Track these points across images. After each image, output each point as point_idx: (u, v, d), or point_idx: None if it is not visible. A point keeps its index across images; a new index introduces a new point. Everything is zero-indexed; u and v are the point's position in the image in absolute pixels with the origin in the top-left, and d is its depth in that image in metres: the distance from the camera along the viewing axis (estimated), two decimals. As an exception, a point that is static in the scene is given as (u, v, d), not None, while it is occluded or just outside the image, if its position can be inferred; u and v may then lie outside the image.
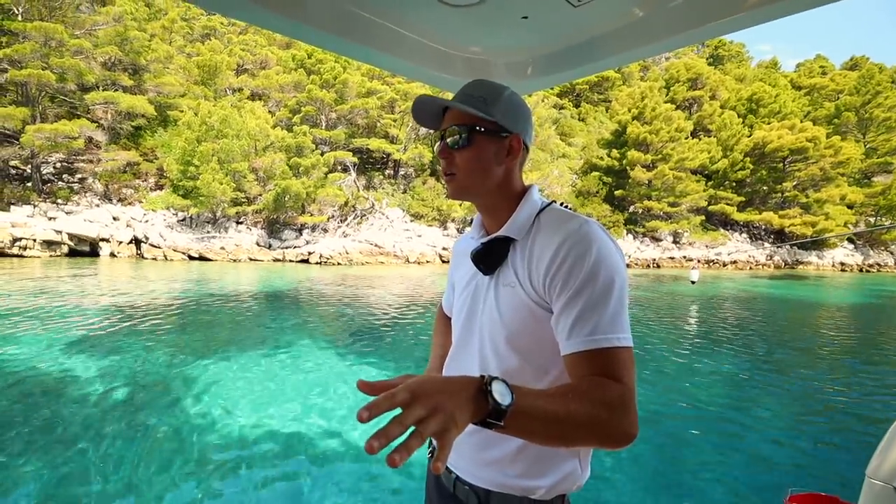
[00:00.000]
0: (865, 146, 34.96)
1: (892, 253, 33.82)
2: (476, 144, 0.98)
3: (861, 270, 32.15)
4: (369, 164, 29.32)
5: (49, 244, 19.48)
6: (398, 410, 0.60)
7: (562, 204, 1.04)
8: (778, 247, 31.34)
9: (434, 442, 0.62)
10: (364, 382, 0.67)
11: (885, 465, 0.91)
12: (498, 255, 1.01)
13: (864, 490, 0.94)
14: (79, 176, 22.81)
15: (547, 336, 0.93)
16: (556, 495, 0.98)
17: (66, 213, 21.04)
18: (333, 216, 25.55)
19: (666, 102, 32.36)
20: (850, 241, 34.01)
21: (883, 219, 32.75)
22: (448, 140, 0.99)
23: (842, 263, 32.36)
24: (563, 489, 0.98)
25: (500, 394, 0.67)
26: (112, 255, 20.54)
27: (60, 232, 19.71)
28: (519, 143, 1.02)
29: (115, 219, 21.74)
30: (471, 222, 1.18)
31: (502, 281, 0.99)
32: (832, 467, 4.06)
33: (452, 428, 0.62)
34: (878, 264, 32.80)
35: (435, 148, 1.05)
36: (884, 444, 0.94)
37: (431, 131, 1.09)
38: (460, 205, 26.04)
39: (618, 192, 30.95)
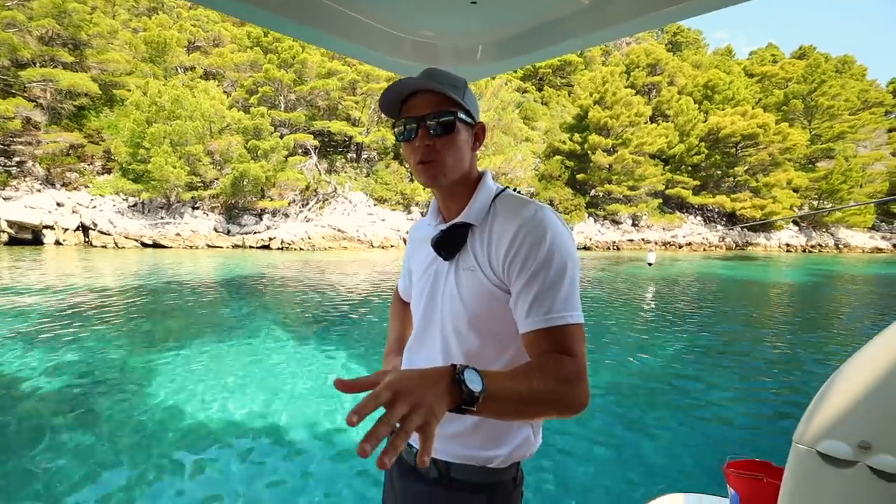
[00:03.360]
0: (811, 133, 36.67)
1: (832, 234, 35.89)
2: (458, 131, 0.99)
3: (804, 251, 34.01)
4: (331, 147, 28.68)
5: (-15, 232, 18.30)
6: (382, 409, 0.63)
7: (515, 189, 1.08)
8: (730, 229, 32.73)
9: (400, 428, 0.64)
10: (340, 381, 0.68)
11: (809, 431, 0.96)
12: (458, 241, 1.03)
13: (791, 455, 0.99)
14: (17, 159, 21.36)
15: (505, 316, 0.98)
16: (511, 463, 1.04)
17: (4, 199, 19.74)
18: (294, 201, 24.98)
19: (626, 87, 32.88)
20: (795, 223, 35.87)
21: (825, 202, 34.62)
22: (430, 125, 0.97)
23: (787, 244, 34.13)
24: (518, 457, 1.04)
25: (472, 382, 0.71)
26: (57, 242, 19.50)
27: (-2, 219, 18.53)
28: (484, 132, 1.06)
29: (59, 205, 20.58)
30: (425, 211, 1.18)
31: (462, 265, 1.03)
32: (769, 435, 4.38)
33: (433, 420, 0.65)
34: (820, 245, 34.77)
35: (403, 135, 1.00)
36: (808, 410, 0.99)
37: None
38: (425, 189, 25.93)
39: (580, 176, 31.48)
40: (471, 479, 1.04)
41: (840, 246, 35.14)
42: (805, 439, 0.97)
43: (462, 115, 0.99)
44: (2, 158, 21.15)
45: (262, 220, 23.92)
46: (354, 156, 28.99)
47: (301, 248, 22.51)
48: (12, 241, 18.79)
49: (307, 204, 25.34)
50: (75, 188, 21.73)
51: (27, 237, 19.14)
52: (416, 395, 0.65)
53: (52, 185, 21.44)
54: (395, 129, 1.03)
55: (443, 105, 0.97)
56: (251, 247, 22.22)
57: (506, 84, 32.88)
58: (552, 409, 0.85)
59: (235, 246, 22.12)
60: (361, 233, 24.62)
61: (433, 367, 0.73)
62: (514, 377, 0.81)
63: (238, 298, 10.55)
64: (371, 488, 3.28)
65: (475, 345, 1.01)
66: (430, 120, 0.97)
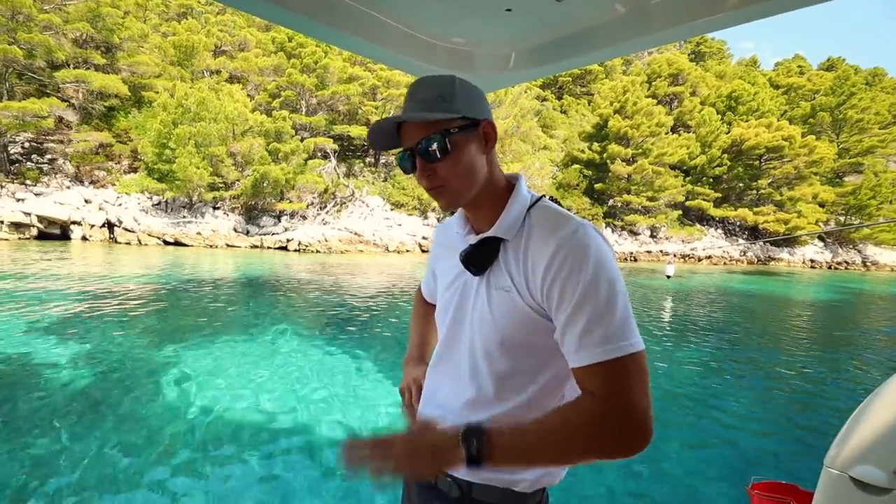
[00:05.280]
0: (838, 146, 35.74)
1: (859, 251, 34.84)
2: (456, 148, 0.90)
3: (830, 267, 33.05)
4: (350, 151, 29.02)
5: (17, 226, 18.98)
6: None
7: (551, 198, 1.00)
8: (752, 243, 32.03)
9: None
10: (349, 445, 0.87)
11: (842, 455, 0.93)
12: (488, 256, 0.96)
13: (822, 479, 0.96)
14: (49, 156, 22.14)
15: (541, 340, 0.91)
16: (537, 488, 0.99)
17: (36, 194, 20.45)
18: (313, 203, 25.30)
19: (647, 97, 32.54)
20: (821, 238, 34.91)
21: (852, 218, 33.63)
22: (420, 154, 0.91)
23: (812, 260, 33.22)
24: (545, 482, 0.99)
25: (474, 452, 0.80)
26: (84, 238, 20.08)
27: (29, 214, 19.21)
28: (493, 128, 0.95)
29: (87, 201, 21.22)
30: (451, 212, 1.13)
31: (495, 284, 0.95)
32: (796, 456, 4.18)
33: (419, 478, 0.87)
34: (846, 262, 33.75)
35: (404, 168, 0.96)
36: (841, 434, 0.96)
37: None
38: (441, 195, 25.99)
39: (598, 186, 31.21)
40: (493, 502, 0.97)
41: (868, 263, 34.07)
42: (837, 463, 0.92)
43: (454, 130, 0.89)
44: (35, 156, 21.95)
45: (280, 221, 24.29)
46: (373, 160, 29.28)
47: (318, 251, 22.76)
48: (41, 236, 19.43)
49: (325, 207, 25.65)
50: (103, 186, 22.38)
51: (55, 232, 19.77)
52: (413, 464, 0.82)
53: (81, 182, 22.13)
54: (399, 164, 0.98)
55: (429, 130, 0.89)
56: (269, 247, 22.56)
57: (525, 92, 32.88)
58: (581, 461, 0.84)
59: (254, 246, 22.48)
60: (378, 237, 24.78)
61: (444, 440, 0.83)
62: (531, 435, 0.82)
63: (262, 297, 10.73)
64: None
65: (507, 368, 0.94)
66: (419, 149, 0.90)
